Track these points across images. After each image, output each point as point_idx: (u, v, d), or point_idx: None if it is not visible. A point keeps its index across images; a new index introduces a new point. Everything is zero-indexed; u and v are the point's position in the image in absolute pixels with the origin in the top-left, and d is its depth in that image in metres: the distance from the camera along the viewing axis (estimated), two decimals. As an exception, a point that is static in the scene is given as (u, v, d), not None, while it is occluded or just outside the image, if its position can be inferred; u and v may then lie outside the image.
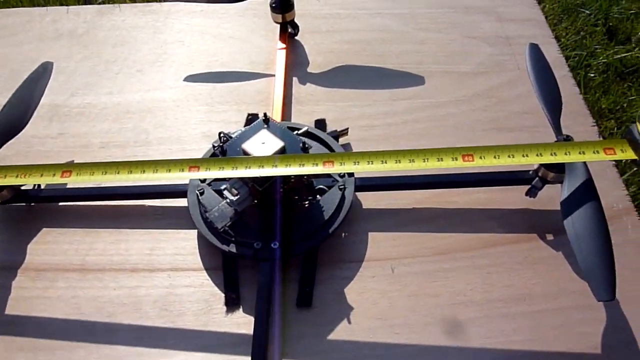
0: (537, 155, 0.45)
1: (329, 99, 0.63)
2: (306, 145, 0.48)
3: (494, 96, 0.63)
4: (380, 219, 0.53)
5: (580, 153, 0.45)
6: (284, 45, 0.66)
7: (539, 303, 0.47)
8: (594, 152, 0.44)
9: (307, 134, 0.55)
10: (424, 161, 0.46)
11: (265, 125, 0.50)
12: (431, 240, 0.51)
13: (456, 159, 0.45)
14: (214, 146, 0.50)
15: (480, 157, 0.45)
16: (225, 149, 0.49)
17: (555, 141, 0.49)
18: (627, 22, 0.88)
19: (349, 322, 0.47)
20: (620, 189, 0.55)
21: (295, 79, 0.65)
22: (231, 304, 0.48)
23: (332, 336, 0.46)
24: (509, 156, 0.45)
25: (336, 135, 0.57)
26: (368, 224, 0.53)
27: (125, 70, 0.68)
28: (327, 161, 0.46)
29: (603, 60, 0.78)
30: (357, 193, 0.54)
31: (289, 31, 0.69)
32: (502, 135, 0.59)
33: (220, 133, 0.50)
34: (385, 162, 0.45)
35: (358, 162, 0.46)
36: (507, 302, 0.47)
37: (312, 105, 0.63)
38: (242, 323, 0.47)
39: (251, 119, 0.61)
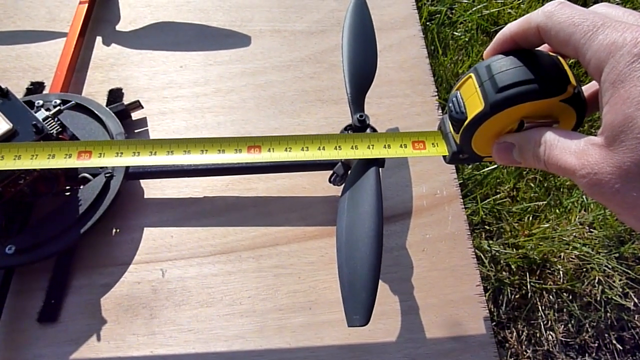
0: (335, 148, 0.36)
1: (135, 64, 0.53)
2: (40, 128, 0.39)
3: (325, 61, 0.54)
4: (162, 211, 0.45)
5: (385, 147, 0.36)
6: (86, -2, 0.55)
7: (325, 312, 0.41)
8: (401, 146, 0.35)
9: (78, 107, 0.46)
10: (202, 152, 0.37)
11: (2, 101, 0.40)
12: (216, 237, 0.44)
13: (240, 151, 0.36)
14: (-63, 128, 0.41)
15: (269, 150, 0.36)
16: (-58, 133, 0.39)
17: (346, 127, 0.41)
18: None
19: (99, 339, 0.40)
20: (449, 172, 0.48)
21: (99, 39, 0.55)
22: (-40, 320, 0.40)
23: (74, 357, 0.39)
24: (302, 149, 0.36)
25: (124, 110, 0.48)
26: (145, 218, 0.45)
27: None
28: (84, 152, 0.36)
29: (472, 17, 0.68)
30: (140, 180, 0.46)
31: (98, -20, 0.58)
32: (326, 108, 0.51)
33: (-55, 111, 0.41)
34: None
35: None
36: (288, 311, 0.41)
37: (112, 71, 0.53)
38: (-28, 342, 0.39)
39: (32, 89, 0.51)
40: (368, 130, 0.40)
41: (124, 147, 0.36)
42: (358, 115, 0.40)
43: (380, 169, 0.39)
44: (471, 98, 0.28)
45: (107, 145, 0.37)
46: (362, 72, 0.43)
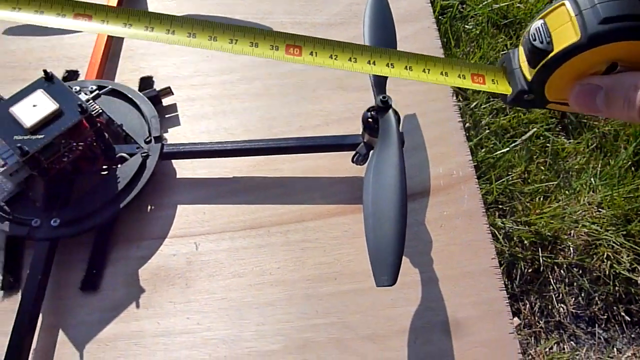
0: (387, 65, 0.34)
1: (163, 54, 0.56)
2: (85, 108, 0.42)
3: (344, 51, 0.56)
4: (194, 190, 0.48)
5: (442, 74, 0.34)
6: (117, -8, 0.58)
7: (350, 282, 0.43)
8: (459, 77, 0.33)
9: (113, 92, 0.49)
10: (231, 42, 0.33)
11: (47, 84, 0.43)
12: (245, 213, 0.46)
13: (277, 48, 0.32)
14: (-14, 111, 0.44)
15: (312, 53, 0.33)
16: (-7, 113, 0.42)
17: (369, 108, 0.44)
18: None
19: (137, 306, 0.42)
20: (464, 154, 0.50)
21: (128, 31, 0.58)
22: (8, 288, 0.43)
23: (114, 323, 0.41)
24: (350, 59, 0.33)
25: (156, 95, 0.51)
26: (179, 196, 0.47)
27: (-61, 20, 0.59)
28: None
29: (481, 12, 0.72)
30: (173, 161, 0.49)
31: (127, -25, 0.60)
32: (347, 95, 0.54)
33: (-6, 94, 0.43)
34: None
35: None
36: (315, 281, 0.43)
37: (142, 60, 0.56)
38: (19, 309, 0.41)
39: (67, 76, 0.54)
40: (390, 112, 0.43)
41: (134, 18, 0.34)
42: (381, 97, 0.43)
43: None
44: (562, 28, 0.25)
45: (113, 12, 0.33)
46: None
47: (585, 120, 0.61)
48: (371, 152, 0.44)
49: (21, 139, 0.40)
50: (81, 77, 0.54)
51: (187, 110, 0.52)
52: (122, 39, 0.57)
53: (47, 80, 0.43)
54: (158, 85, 0.53)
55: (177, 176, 0.48)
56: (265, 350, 0.40)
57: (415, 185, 0.48)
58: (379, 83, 0.44)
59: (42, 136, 0.40)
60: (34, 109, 0.41)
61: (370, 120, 0.44)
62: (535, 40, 0.26)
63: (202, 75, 0.55)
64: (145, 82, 0.54)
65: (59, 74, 0.54)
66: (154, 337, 0.41)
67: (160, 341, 0.41)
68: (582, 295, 0.52)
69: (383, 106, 0.43)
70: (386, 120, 0.42)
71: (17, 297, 0.42)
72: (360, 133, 0.46)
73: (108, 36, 0.55)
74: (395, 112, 0.43)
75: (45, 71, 0.43)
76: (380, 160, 0.40)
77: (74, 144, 0.42)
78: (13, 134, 0.40)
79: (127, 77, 0.54)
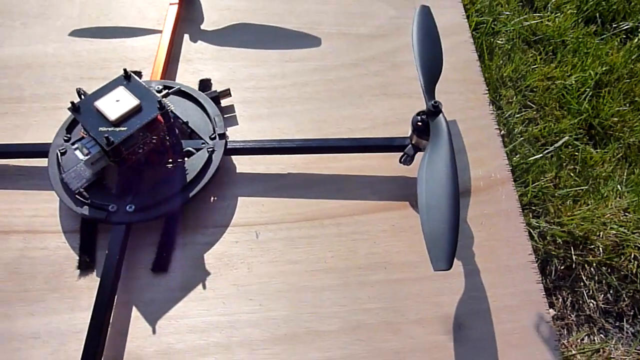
0: None
1: (218, 58, 0.61)
2: (162, 104, 0.46)
3: (388, 60, 0.61)
4: (252, 184, 0.51)
5: None
6: (176, 0, 0.63)
7: (399, 272, 0.47)
8: None
9: (180, 92, 0.53)
10: None
11: (126, 82, 0.47)
12: (300, 207, 0.50)
13: None
14: (72, 103, 0.48)
15: None
16: (79, 106, 0.46)
17: (419, 113, 0.48)
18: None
19: (204, 287, 0.46)
20: (502, 159, 0.54)
21: (186, 36, 0.62)
22: (84, 268, 0.47)
23: (184, 302, 0.45)
24: None
25: (216, 96, 0.55)
26: (239, 189, 0.51)
27: (9, 23, 0.64)
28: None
29: (512, 28, 0.76)
30: (232, 157, 0.53)
31: (185, -15, 0.65)
32: (391, 101, 0.58)
33: (78, 89, 0.47)
34: None
35: None
36: (367, 269, 0.47)
37: (200, 64, 0.60)
38: (95, 287, 0.45)
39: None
40: (441, 116, 0.47)
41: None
42: (432, 102, 0.47)
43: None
44: None
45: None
46: (432, 65, 0.50)
47: (611, 132, 0.65)
48: (421, 153, 0.48)
49: (106, 130, 0.44)
50: (144, 78, 0.58)
51: (243, 112, 0.56)
52: (180, 45, 0.62)
53: (126, 79, 0.47)
54: (215, 88, 0.58)
55: (237, 171, 0.52)
56: (322, 330, 0.44)
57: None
58: (429, 90, 0.48)
59: (125, 128, 0.44)
60: (117, 104, 0.45)
61: (420, 123, 0.48)
62: None
63: (256, 80, 0.59)
64: (204, 84, 0.58)
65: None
66: (220, 316, 0.44)
67: (226, 319, 0.44)
68: (611, 292, 0.55)
69: (434, 110, 0.47)
70: (437, 123, 0.46)
71: (92, 276, 0.46)
72: (408, 136, 0.50)
73: (170, 40, 0.59)
74: (444, 117, 0.47)
75: (125, 70, 0.47)
76: (432, 160, 0.44)
77: (149, 136, 0.46)
78: (98, 125, 0.44)
79: (186, 79, 0.59)
